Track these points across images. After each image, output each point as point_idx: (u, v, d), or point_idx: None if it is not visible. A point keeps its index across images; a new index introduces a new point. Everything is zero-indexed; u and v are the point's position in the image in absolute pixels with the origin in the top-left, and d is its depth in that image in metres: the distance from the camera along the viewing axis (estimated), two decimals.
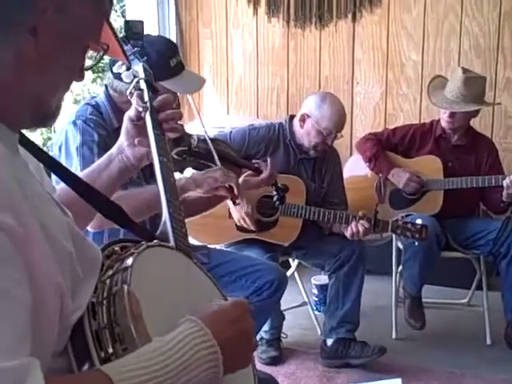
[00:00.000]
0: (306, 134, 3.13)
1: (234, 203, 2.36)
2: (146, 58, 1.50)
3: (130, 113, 1.39)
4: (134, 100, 1.36)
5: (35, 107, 0.92)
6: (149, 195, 1.91)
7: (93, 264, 0.98)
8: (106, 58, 2.22)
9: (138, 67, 1.48)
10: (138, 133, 1.39)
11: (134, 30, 1.53)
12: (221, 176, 2.13)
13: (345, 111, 3.18)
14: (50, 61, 0.90)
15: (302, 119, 3.13)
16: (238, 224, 3.00)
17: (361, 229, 2.93)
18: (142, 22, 1.56)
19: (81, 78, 1.00)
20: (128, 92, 1.41)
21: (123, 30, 1.54)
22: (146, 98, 1.37)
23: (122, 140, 1.40)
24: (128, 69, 1.49)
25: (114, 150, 1.42)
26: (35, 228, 0.81)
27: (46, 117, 0.96)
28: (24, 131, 0.99)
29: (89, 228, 1.62)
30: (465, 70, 3.39)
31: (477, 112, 3.44)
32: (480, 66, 3.99)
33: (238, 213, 2.96)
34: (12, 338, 0.73)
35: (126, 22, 1.54)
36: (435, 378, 3.03)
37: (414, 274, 3.32)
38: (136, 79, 1.43)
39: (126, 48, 1.52)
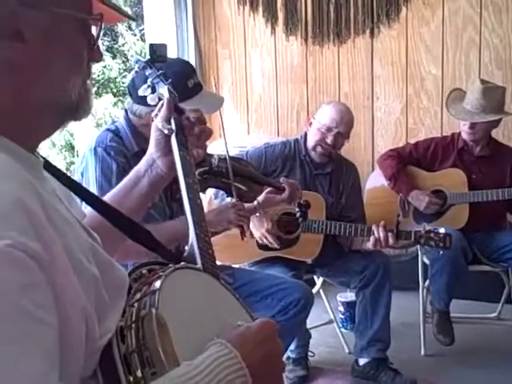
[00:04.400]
0: (310, 137, 3.18)
1: (242, 238, 2.42)
2: (170, 80, 1.51)
3: (158, 124, 1.36)
4: (160, 122, 1.35)
5: (52, 107, 0.90)
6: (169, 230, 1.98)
7: (120, 287, 0.98)
8: (126, 82, 2.24)
9: (163, 90, 1.48)
10: (168, 141, 1.35)
11: (158, 52, 1.54)
12: (234, 218, 2.29)
13: (349, 113, 3.19)
14: (46, 57, 0.88)
15: (309, 123, 3.23)
16: (260, 242, 3.00)
17: (382, 234, 2.86)
18: (165, 45, 1.58)
19: (96, 57, 0.97)
20: (154, 114, 1.41)
21: (148, 54, 1.56)
22: (172, 120, 1.36)
23: (152, 151, 1.37)
24: (153, 92, 1.50)
25: (141, 165, 1.37)
26: (60, 253, 0.80)
27: (69, 110, 0.94)
28: (43, 148, 0.96)
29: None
30: (483, 81, 3.38)
31: (497, 122, 3.41)
32: (501, 77, 3.96)
33: (258, 231, 2.97)
34: (44, 364, 0.72)
35: (151, 46, 1.55)
36: None
37: (442, 288, 3.28)
38: (161, 102, 1.42)
39: (150, 71, 1.54)
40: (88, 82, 0.97)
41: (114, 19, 1.06)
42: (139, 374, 0.86)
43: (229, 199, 2.70)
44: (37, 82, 0.88)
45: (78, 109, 0.95)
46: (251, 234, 3.00)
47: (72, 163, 5.81)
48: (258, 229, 2.96)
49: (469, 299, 3.81)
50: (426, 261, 3.42)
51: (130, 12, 6.40)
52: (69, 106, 0.93)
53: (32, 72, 0.87)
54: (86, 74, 0.96)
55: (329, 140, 3.11)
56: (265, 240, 2.97)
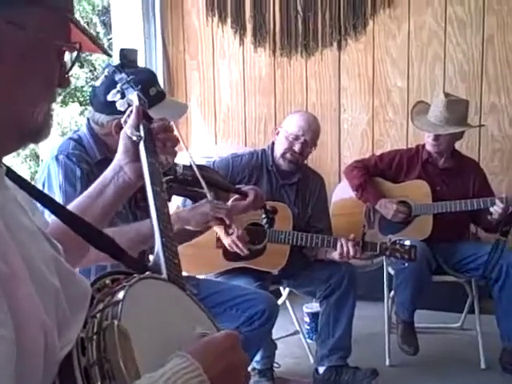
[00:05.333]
0: (277, 146, 3.19)
1: (228, 233, 2.36)
2: (140, 86, 1.49)
3: (127, 130, 1.34)
4: (129, 129, 1.34)
5: (17, 127, 0.90)
6: (137, 232, 1.94)
7: (81, 299, 0.96)
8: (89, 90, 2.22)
9: (133, 96, 1.46)
10: (137, 148, 1.33)
11: (128, 57, 1.53)
12: (210, 210, 2.17)
13: (316, 122, 3.22)
14: (20, 78, 0.87)
15: (277, 132, 3.25)
16: (230, 249, 2.92)
17: (351, 247, 2.90)
18: (136, 51, 1.57)
19: (65, 83, 0.97)
20: (123, 120, 1.40)
21: (118, 59, 1.54)
22: (141, 126, 1.34)
23: (120, 158, 1.34)
24: (123, 97, 1.49)
25: (108, 173, 1.35)
26: (18, 264, 0.79)
27: (33, 132, 0.93)
28: (10, 156, 0.96)
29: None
30: (447, 94, 3.43)
31: (461, 135, 3.47)
32: (465, 91, 4.04)
33: (228, 238, 2.86)
34: (2, 379, 0.71)
35: (121, 51, 1.54)
36: None
37: (406, 299, 3.31)
38: (130, 108, 1.40)
39: (120, 76, 1.52)
40: (52, 106, 0.96)
41: (90, 49, 1.06)
42: None
43: None
44: (5, 102, 0.87)
45: (41, 132, 0.95)
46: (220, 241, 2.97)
47: (36, 172, 5.72)
48: (227, 236, 2.93)
49: (433, 309, 3.85)
50: (391, 271, 3.45)
51: (97, 21, 6.36)
52: (33, 129, 0.93)
53: (1, 91, 0.86)
54: (53, 98, 0.96)
55: (296, 148, 3.12)
56: (234, 247, 2.85)
